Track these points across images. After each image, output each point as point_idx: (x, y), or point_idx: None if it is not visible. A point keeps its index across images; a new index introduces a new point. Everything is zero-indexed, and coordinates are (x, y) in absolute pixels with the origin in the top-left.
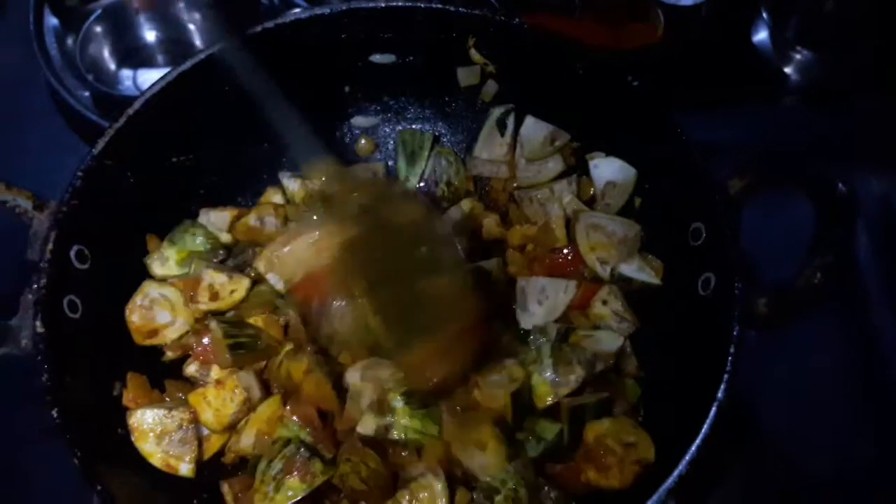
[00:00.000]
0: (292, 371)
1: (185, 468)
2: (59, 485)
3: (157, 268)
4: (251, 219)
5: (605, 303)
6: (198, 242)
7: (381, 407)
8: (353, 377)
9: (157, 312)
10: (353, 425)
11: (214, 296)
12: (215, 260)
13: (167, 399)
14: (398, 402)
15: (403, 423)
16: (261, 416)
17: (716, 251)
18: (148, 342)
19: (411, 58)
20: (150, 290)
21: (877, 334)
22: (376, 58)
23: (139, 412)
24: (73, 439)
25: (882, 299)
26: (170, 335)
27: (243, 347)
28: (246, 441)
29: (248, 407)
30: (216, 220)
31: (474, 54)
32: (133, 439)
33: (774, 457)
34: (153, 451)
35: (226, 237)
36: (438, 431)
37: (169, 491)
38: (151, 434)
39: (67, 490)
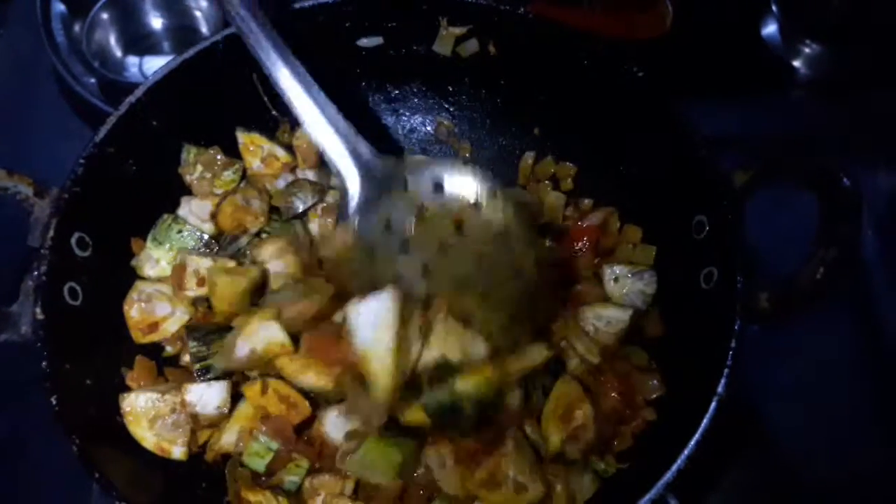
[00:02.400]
0: (249, 398)
1: (178, 451)
2: (60, 470)
3: (148, 270)
4: (238, 199)
5: (616, 280)
6: (184, 237)
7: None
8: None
9: (156, 305)
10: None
11: (201, 281)
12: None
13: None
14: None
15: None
16: (244, 413)
17: (719, 245)
18: (147, 339)
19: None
20: (143, 286)
21: (884, 331)
22: (363, 41)
23: (132, 396)
24: (71, 426)
25: (889, 296)
26: (170, 328)
27: (210, 371)
28: (228, 438)
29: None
30: (197, 209)
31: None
32: (126, 423)
33: (778, 455)
34: (146, 434)
35: (208, 227)
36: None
37: (169, 478)
38: (144, 418)
39: (68, 475)
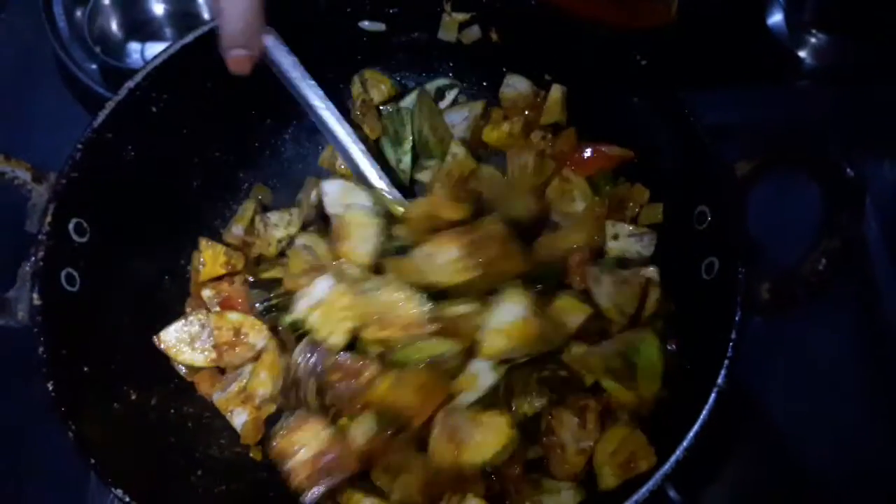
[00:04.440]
0: None
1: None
2: (57, 457)
3: None
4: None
5: (615, 237)
6: None
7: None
8: None
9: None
10: None
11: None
12: None
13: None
14: None
15: None
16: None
17: (720, 235)
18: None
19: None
20: None
21: (887, 324)
22: (365, 24)
23: (162, 334)
24: (67, 412)
25: (893, 288)
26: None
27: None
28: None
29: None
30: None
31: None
32: (172, 360)
33: (779, 448)
34: (192, 357)
35: None
36: None
37: (163, 469)
38: (182, 344)
39: (65, 462)
